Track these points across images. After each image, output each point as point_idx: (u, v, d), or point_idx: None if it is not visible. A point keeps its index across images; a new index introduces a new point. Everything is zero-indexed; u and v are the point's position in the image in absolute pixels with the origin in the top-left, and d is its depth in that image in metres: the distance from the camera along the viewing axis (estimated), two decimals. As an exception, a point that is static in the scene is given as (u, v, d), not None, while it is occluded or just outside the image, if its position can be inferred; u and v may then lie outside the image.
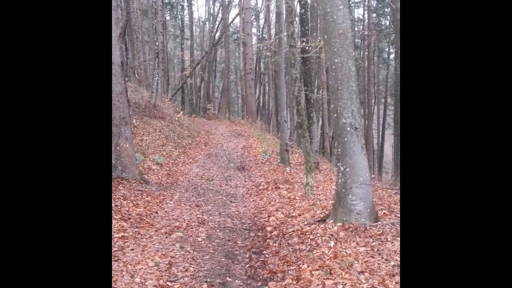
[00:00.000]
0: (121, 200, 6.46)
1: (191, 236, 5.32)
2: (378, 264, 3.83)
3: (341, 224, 5.01)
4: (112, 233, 5.05)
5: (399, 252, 4.03)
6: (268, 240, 5.25)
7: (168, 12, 27.50)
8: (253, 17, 27.01)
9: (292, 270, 4.08)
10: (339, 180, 5.23)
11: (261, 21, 28.67)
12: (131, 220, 5.72)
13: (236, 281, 4.05)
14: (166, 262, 4.30)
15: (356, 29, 23.80)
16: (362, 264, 3.83)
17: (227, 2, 24.68)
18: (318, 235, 4.86)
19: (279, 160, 10.76)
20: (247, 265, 4.50)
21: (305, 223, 5.51)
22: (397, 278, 3.53)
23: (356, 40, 22.52)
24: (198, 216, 6.35)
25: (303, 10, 12.17)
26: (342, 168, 5.19)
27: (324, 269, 3.85)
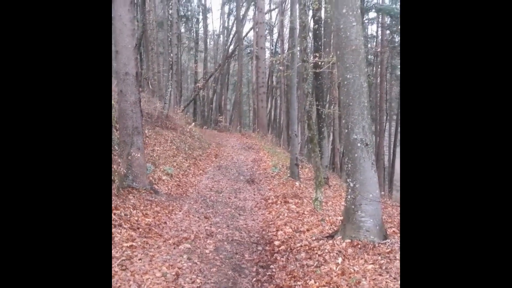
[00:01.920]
0: (131, 210, 6.50)
1: (199, 247, 5.33)
2: (386, 282, 3.79)
3: (349, 240, 4.97)
4: (121, 242, 5.08)
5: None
6: (275, 254, 5.23)
7: (183, 24, 27.86)
8: (267, 31, 27.23)
9: (299, 285, 4.06)
10: (349, 196, 5.21)
11: (275, 36, 28.90)
12: (140, 229, 5.74)
13: (243, 294, 4.04)
14: (173, 273, 4.31)
15: (369, 45, 23.83)
16: (370, 281, 3.80)
17: (241, 16, 24.94)
18: (326, 251, 4.84)
19: (288, 174, 10.74)
20: (254, 279, 4.48)
21: (313, 238, 5.48)
22: (405, 297, 3.49)
23: (369, 57, 22.54)
24: (206, 228, 6.36)
25: (316, 26, 12.22)
26: (351, 184, 5.17)
27: (331, 286, 3.82)
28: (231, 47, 27.25)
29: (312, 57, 10.99)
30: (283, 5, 24.50)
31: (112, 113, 8.34)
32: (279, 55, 15.24)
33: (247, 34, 27.66)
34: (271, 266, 4.84)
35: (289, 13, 18.23)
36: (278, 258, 5.06)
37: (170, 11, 17.77)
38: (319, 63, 10.65)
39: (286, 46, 23.61)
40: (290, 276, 4.38)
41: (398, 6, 18.02)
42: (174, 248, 5.17)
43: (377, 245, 4.81)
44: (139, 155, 7.93)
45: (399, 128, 25.38)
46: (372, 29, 26.49)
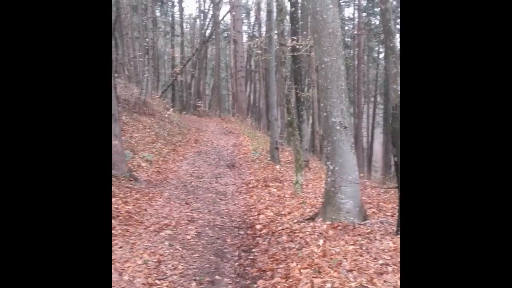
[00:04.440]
0: (110, 198, 6.42)
1: (180, 234, 5.31)
2: (367, 262, 3.85)
3: (330, 222, 5.03)
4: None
5: (387, 251, 4.07)
6: (257, 238, 5.26)
7: (159, 8, 27.30)
8: (244, 14, 26.95)
9: (281, 268, 4.10)
10: (329, 179, 5.26)
11: (252, 19, 28.66)
12: (120, 217, 5.68)
13: (225, 279, 4.05)
14: (155, 260, 4.29)
15: (346, 28, 23.86)
16: (350, 262, 3.86)
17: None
18: (307, 233, 4.88)
19: (269, 158, 10.76)
20: (236, 263, 4.50)
21: (295, 221, 5.53)
22: (385, 276, 3.56)
23: (346, 39, 22.59)
24: (187, 214, 6.34)
25: (293, 9, 12.15)
26: (331, 167, 5.21)
27: (313, 268, 3.86)
28: (208, 31, 26.88)
29: (289, 41, 10.93)
30: (260, -13, 24.21)
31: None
32: (257, 39, 15.12)
33: (223, 17, 27.30)
34: (253, 250, 4.87)
35: (266, -5, 18.08)
36: (260, 241, 5.09)
37: (145, -5, 17.39)
38: (297, 46, 10.60)
39: (263, 29, 23.45)
40: (272, 259, 4.41)
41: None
42: (155, 235, 5.15)
43: (357, 226, 4.88)
44: (116, 142, 7.81)
45: (377, 110, 25.68)
46: (348, 11, 26.50)
